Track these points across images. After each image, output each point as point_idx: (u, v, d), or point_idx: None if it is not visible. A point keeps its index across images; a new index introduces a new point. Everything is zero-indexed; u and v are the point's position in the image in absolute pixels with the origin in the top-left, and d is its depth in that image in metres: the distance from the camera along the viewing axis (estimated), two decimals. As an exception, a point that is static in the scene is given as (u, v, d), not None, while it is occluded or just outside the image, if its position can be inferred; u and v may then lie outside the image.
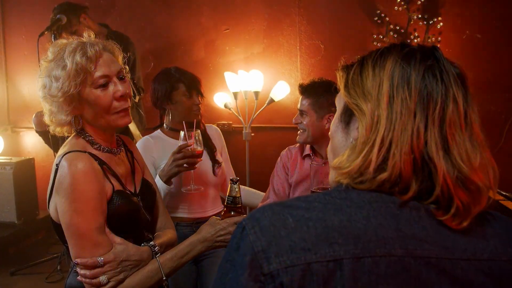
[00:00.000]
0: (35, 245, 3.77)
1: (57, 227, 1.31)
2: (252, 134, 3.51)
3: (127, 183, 1.41)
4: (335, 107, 2.27)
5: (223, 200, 2.48)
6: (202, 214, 2.27)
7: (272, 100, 3.41)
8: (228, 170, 2.48)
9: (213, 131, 2.43)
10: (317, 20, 3.54)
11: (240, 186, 2.54)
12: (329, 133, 0.91)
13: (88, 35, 1.36)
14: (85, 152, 1.29)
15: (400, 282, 0.68)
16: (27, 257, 3.45)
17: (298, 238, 0.69)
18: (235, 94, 3.45)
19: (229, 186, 1.46)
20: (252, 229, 0.71)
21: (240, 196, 1.47)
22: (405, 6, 3.27)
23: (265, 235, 0.70)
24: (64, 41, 1.33)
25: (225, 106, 3.48)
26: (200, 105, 2.25)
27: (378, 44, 3.36)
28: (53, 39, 2.86)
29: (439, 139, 0.72)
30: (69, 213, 1.23)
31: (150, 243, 1.37)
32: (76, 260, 1.25)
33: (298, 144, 2.26)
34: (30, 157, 3.96)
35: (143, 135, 3.37)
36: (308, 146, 2.18)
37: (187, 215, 2.23)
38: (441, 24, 3.23)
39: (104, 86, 1.30)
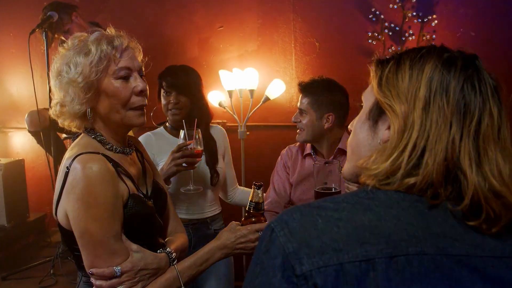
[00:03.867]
0: (26, 249, 3.69)
1: (67, 234, 1.23)
2: (248, 133, 3.48)
3: (139, 185, 1.36)
4: (335, 106, 2.25)
5: (221, 201, 2.46)
6: (200, 216, 2.24)
7: (267, 98, 3.38)
8: (229, 172, 2.43)
9: (218, 131, 2.36)
10: (312, 18, 3.52)
11: (239, 187, 2.54)
12: (352, 127, 0.89)
13: (109, 30, 1.31)
14: (98, 153, 1.22)
15: (433, 280, 0.67)
16: (18, 261, 3.36)
17: (329, 238, 0.68)
18: (230, 93, 3.41)
19: (252, 191, 1.42)
20: (282, 231, 0.70)
21: (263, 201, 1.43)
22: (400, 4, 3.27)
23: (295, 237, 0.69)
24: (85, 34, 1.28)
25: (220, 104, 3.43)
26: (179, 105, 2.13)
27: (373, 42, 3.36)
28: (44, 37, 2.79)
29: (472, 152, 0.72)
30: (83, 219, 1.16)
31: (167, 249, 1.32)
32: (91, 270, 1.18)
33: (298, 143, 2.23)
34: (20, 158, 3.87)
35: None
36: (308, 145, 2.16)
37: (184, 215, 2.19)
38: (436, 22, 3.24)
39: (125, 78, 1.25)
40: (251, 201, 1.42)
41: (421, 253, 0.68)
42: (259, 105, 3.40)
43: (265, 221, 1.43)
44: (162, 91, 2.16)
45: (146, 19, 3.62)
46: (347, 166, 0.90)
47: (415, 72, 0.77)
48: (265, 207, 2.19)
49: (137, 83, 1.26)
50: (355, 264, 0.66)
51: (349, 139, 0.91)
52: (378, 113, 0.81)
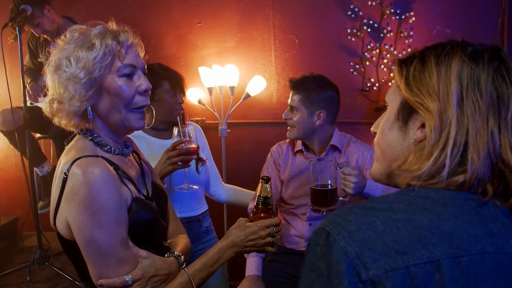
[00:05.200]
0: (-3, 255, 3.51)
1: (68, 243, 1.16)
2: (228, 131, 3.44)
3: (139, 188, 1.29)
4: (326, 103, 2.25)
5: (207, 199, 2.43)
6: (192, 213, 2.22)
7: (248, 95, 3.36)
8: (212, 168, 2.42)
9: (195, 129, 2.35)
10: (291, 14, 3.51)
11: (226, 185, 2.51)
12: (376, 128, 0.88)
13: (111, 24, 1.23)
14: (98, 156, 1.15)
15: (495, 280, 0.67)
16: (-11, 268, 3.19)
17: (390, 241, 0.66)
18: (210, 90, 3.36)
19: (259, 185, 1.38)
20: (340, 234, 0.67)
21: (272, 196, 1.40)
22: (378, 1, 3.31)
23: (355, 240, 0.66)
24: (84, 26, 1.20)
25: (199, 102, 3.38)
26: (182, 104, 2.17)
27: (352, 39, 3.39)
28: (17, 32, 2.65)
29: None
30: (88, 227, 1.08)
31: (175, 253, 1.27)
32: (100, 281, 1.11)
33: (288, 140, 2.22)
34: (-13, 159, 3.67)
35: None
36: (299, 142, 2.15)
37: (178, 214, 2.15)
38: (413, 19, 3.30)
39: (129, 76, 1.19)
40: (259, 196, 1.38)
41: (482, 253, 0.67)
42: (239, 102, 3.36)
43: (274, 216, 1.40)
44: (161, 91, 2.10)
45: (122, 14, 3.50)
46: (377, 167, 0.89)
47: (442, 68, 0.76)
48: (256, 205, 2.19)
49: (141, 81, 1.21)
50: (421, 266, 0.65)
51: (376, 140, 0.89)
52: (407, 113, 0.81)
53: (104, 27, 1.19)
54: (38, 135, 3.18)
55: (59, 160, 1.20)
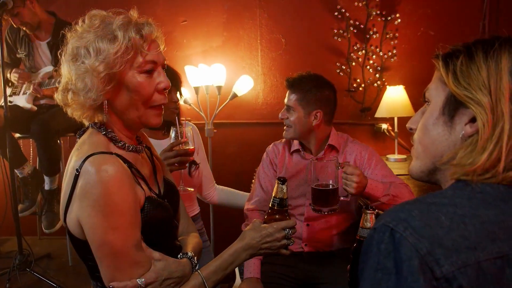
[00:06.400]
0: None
1: (79, 242, 1.10)
2: (215, 131, 3.40)
3: (151, 185, 1.24)
4: (323, 102, 2.23)
5: (199, 201, 2.38)
6: None
7: (235, 95, 3.32)
8: (206, 170, 2.37)
9: (192, 129, 2.30)
10: (278, 14, 3.50)
11: (219, 186, 2.46)
12: (420, 125, 0.87)
13: (133, 12, 1.16)
14: (111, 153, 1.10)
15: None
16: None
17: (459, 236, 0.66)
18: (196, 89, 3.30)
19: (276, 187, 1.35)
20: (406, 230, 0.66)
21: (287, 197, 1.37)
22: (364, 2, 3.34)
23: (424, 236, 0.66)
24: (103, 12, 1.13)
25: (185, 101, 3.31)
26: (178, 103, 2.10)
27: (338, 39, 3.40)
28: (-3, 26, 2.53)
29: None
30: (101, 229, 1.03)
31: (188, 254, 1.23)
32: (111, 284, 1.07)
33: (284, 139, 2.19)
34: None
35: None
36: (296, 141, 2.13)
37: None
38: (399, 20, 3.34)
39: (149, 73, 1.13)
40: (275, 197, 1.35)
41: None
42: (226, 101, 3.32)
43: (289, 218, 1.37)
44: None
45: (105, 11, 3.40)
46: (417, 165, 0.87)
47: (491, 63, 0.76)
48: (253, 206, 2.15)
49: (161, 79, 1.15)
50: (491, 261, 0.65)
51: (417, 137, 0.88)
52: (454, 108, 0.80)
53: (128, 17, 1.12)
54: (17, 135, 3.04)
55: (71, 154, 1.14)
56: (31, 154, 3.28)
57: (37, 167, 3.12)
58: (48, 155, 2.78)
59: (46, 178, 2.87)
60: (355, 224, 2.16)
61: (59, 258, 3.18)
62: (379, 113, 3.25)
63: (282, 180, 1.35)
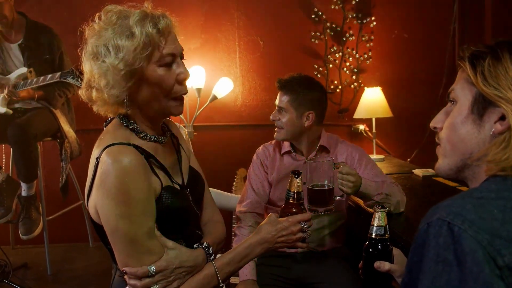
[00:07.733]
0: None
1: (99, 227, 1.15)
2: (195, 133, 3.36)
3: (174, 175, 1.25)
4: (314, 104, 2.25)
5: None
6: None
7: (215, 97, 3.30)
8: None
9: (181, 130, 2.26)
10: (256, 16, 3.51)
11: (210, 189, 2.43)
12: (448, 124, 0.89)
13: (147, 4, 1.16)
14: (129, 144, 1.12)
15: None
16: None
17: None
18: (175, 92, 3.26)
19: (290, 180, 1.34)
20: (464, 224, 0.70)
21: (302, 191, 1.36)
22: (340, 5, 3.40)
23: (482, 229, 0.69)
24: (118, 6, 1.13)
25: (163, 104, 3.27)
26: None
27: (316, 42, 3.45)
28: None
29: None
30: (114, 217, 1.08)
31: (204, 244, 1.23)
32: (124, 269, 1.11)
33: (274, 141, 2.19)
34: None
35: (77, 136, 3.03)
36: (286, 143, 2.13)
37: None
38: (374, 23, 3.43)
39: (169, 65, 1.13)
40: (289, 190, 1.35)
41: None
42: (206, 104, 3.30)
43: (305, 211, 1.37)
44: None
45: (79, 11, 3.29)
46: (445, 163, 0.90)
47: None
48: (245, 209, 2.14)
49: (180, 70, 1.15)
50: None
51: (445, 135, 0.90)
52: (483, 106, 0.83)
53: (144, 12, 1.12)
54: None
55: (96, 143, 1.17)
56: (4, 160, 3.13)
57: (10, 174, 2.99)
58: (25, 160, 2.66)
59: (23, 185, 2.75)
60: (346, 223, 2.20)
61: (36, 267, 3.06)
62: (357, 114, 3.32)
63: (297, 174, 1.35)
